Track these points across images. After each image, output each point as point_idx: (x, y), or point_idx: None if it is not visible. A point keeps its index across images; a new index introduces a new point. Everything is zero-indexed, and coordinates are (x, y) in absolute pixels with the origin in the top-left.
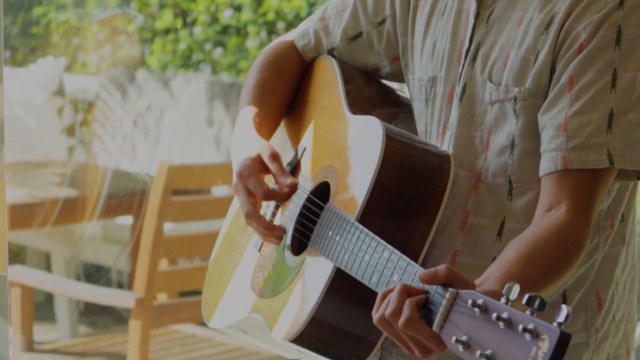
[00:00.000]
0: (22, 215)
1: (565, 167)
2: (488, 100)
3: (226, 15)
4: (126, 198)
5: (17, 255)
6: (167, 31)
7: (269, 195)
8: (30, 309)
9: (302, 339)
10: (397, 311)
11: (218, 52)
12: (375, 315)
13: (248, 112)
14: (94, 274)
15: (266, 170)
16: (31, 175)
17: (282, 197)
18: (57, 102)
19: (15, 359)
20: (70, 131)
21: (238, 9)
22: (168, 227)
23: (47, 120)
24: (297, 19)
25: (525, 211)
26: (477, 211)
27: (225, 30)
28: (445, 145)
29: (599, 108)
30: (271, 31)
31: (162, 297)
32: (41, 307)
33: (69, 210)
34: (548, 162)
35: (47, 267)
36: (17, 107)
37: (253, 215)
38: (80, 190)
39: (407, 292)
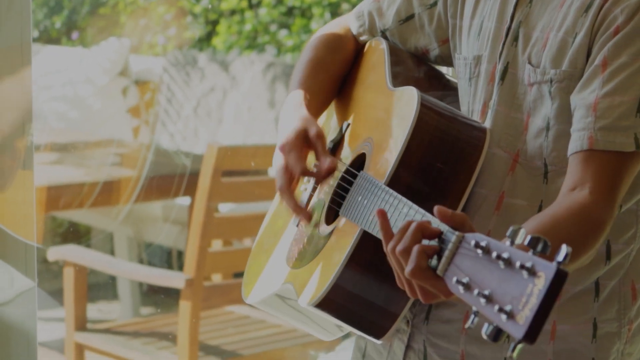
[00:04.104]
0: (81, 195)
1: (591, 146)
2: (527, 81)
3: None
4: (187, 179)
5: (83, 235)
6: (232, 12)
7: (306, 173)
8: (83, 288)
9: (326, 304)
10: (407, 251)
11: (283, 33)
12: (389, 245)
13: (299, 88)
14: (156, 254)
15: (309, 147)
16: (92, 155)
17: (319, 177)
18: (122, 83)
19: (68, 338)
20: (134, 112)
21: None
22: (225, 208)
23: (112, 100)
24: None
25: None
26: (512, 192)
27: (290, 11)
28: (486, 124)
29: (631, 91)
30: (335, 12)
31: (216, 278)
32: (106, 286)
33: (130, 191)
34: (575, 142)
35: (111, 248)
36: (82, 87)
37: (285, 191)
38: (140, 171)
39: (422, 232)
